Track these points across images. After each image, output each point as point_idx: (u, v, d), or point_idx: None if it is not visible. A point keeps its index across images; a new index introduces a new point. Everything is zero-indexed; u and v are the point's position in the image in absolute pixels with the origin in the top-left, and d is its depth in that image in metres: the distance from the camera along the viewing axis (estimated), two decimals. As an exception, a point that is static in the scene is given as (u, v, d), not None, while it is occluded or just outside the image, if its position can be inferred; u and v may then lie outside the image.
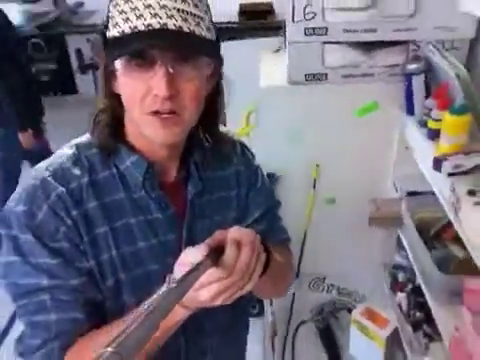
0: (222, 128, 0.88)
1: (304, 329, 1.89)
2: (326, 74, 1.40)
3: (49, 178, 0.72)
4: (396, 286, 1.43)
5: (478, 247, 0.93)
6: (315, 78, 1.42)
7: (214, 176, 0.85)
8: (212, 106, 0.78)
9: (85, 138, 0.78)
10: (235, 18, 4.33)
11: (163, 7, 0.63)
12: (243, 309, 0.96)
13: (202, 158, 0.82)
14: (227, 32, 4.90)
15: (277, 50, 1.75)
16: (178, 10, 0.64)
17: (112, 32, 0.67)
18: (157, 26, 0.63)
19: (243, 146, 0.91)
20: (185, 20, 0.64)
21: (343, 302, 1.83)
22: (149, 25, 0.63)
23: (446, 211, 1.07)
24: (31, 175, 0.73)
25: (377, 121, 1.46)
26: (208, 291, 0.60)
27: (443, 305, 1.12)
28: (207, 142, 0.83)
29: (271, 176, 1.59)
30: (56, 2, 5.61)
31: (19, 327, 0.75)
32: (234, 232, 0.64)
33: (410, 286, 1.38)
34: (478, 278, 0.91)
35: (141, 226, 0.75)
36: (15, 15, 5.54)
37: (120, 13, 0.65)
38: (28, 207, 0.70)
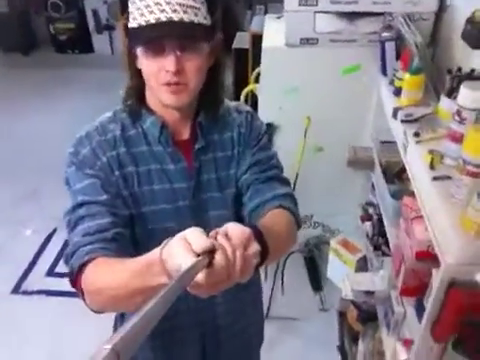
0: (234, 102, 1.08)
1: (292, 259, 2.22)
2: (317, 38, 1.67)
3: (92, 131, 0.95)
4: (365, 218, 1.74)
5: (415, 175, 1.23)
6: (308, 42, 1.68)
7: (217, 139, 1.01)
8: (213, 76, 0.96)
9: (119, 107, 1.00)
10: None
11: (168, 3, 0.83)
12: None
13: (206, 121, 1.00)
14: (240, -2, 5.09)
15: (280, 16, 2.01)
16: (180, 4, 0.83)
17: (132, 24, 0.87)
18: (164, 19, 0.83)
19: (252, 115, 1.07)
20: (185, 12, 0.84)
21: (326, 238, 2.15)
22: (158, 18, 0.83)
23: (400, 151, 1.36)
24: (81, 130, 0.96)
25: (359, 80, 1.73)
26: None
27: (395, 226, 1.43)
28: (210, 109, 1.00)
29: (270, 125, 1.88)
30: (72, -38, 5.72)
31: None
32: (230, 229, 0.67)
33: (376, 217, 1.69)
34: (413, 197, 1.21)
35: (158, 173, 0.96)
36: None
37: (137, 9, 0.86)
38: (74, 149, 0.94)
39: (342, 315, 2.12)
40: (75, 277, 0.82)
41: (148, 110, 0.97)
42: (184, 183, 0.97)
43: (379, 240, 1.64)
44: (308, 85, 1.79)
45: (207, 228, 0.67)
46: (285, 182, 1.06)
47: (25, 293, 2.67)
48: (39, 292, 2.67)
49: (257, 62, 2.39)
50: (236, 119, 1.04)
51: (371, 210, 1.74)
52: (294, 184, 1.99)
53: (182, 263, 0.59)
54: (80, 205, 0.89)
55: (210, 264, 0.61)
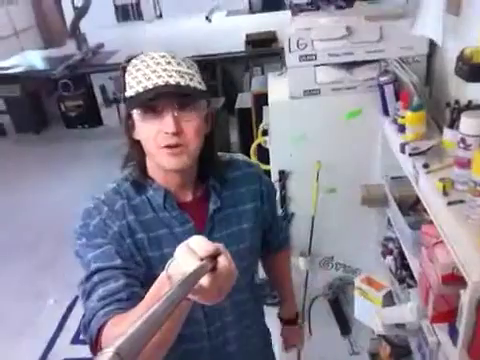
0: (240, 155, 1.14)
1: (317, 303, 2.22)
2: (319, 89, 1.79)
3: (100, 203, 0.97)
4: (386, 252, 1.77)
5: (430, 204, 1.29)
6: (311, 93, 1.81)
7: (229, 195, 1.04)
8: (211, 143, 1.00)
9: (120, 176, 1.01)
10: (242, 47, 4.84)
11: (165, 70, 0.86)
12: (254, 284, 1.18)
13: (217, 183, 1.03)
14: (237, 60, 5.43)
15: (280, 73, 2.16)
16: (176, 71, 0.87)
17: (129, 93, 0.89)
18: (161, 83, 0.85)
19: (260, 170, 1.15)
20: (182, 77, 0.87)
21: (349, 278, 2.16)
22: (156, 83, 0.85)
23: (412, 183, 1.43)
24: (88, 203, 0.97)
25: (363, 123, 1.83)
26: None
27: (416, 256, 1.46)
28: (216, 172, 1.03)
29: (282, 173, 1.97)
30: (79, 45, 6.15)
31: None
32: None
33: (396, 251, 1.72)
34: (431, 225, 1.26)
35: (167, 237, 0.97)
36: (40, 61, 6.17)
37: (133, 79, 0.88)
38: (83, 222, 0.94)
39: (374, 356, 2.08)
40: (95, 342, 0.81)
41: (150, 179, 0.99)
42: None
43: (403, 273, 1.66)
44: (315, 132, 1.89)
45: None
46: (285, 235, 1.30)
47: (52, 363, 2.66)
48: (66, 361, 2.65)
49: (260, 118, 2.53)
50: (247, 174, 1.10)
51: (391, 245, 1.77)
52: (311, 227, 2.05)
53: (186, 269, 0.59)
54: (93, 273, 0.89)
55: (214, 268, 0.62)
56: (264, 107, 2.13)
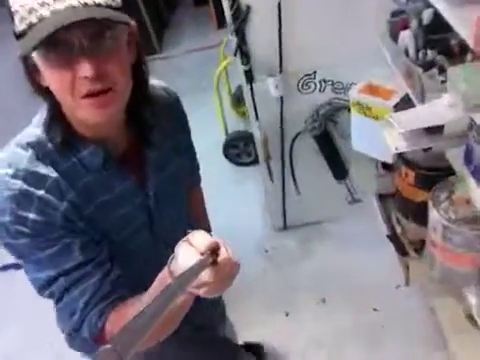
0: (154, 81, 0.94)
1: (300, 144, 1.67)
2: None
3: (25, 186, 0.76)
4: (397, 27, 1.12)
5: None
6: None
7: (160, 133, 0.89)
8: (139, 75, 0.80)
9: (33, 137, 0.79)
10: None
11: None
12: None
13: (152, 128, 0.87)
14: None
15: None
16: None
17: (21, 27, 0.68)
18: (62, 8, 0.65)
19: (177, 95, 0.99)
20: None
21: (340, 100, 1.55)
22: (54, 9, 0.66)
23: None
24: (2, 185, 0.77)
25: None
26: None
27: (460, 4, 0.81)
28: (148, 104, 0.86)
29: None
30: None
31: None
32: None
33: (416, 23, 1.07)
34: None
35: (113, 201, 0.85)
36: None
37: (23, 6, 0.68)
38: (15, 215, 0.75)
39: (383, 198, 1.56)
40: (98, 337, 0.78)
41: (78, 135, 0.81)
42: (139, 196, 0.90)
43: (427, 54, 1.04)
44: None
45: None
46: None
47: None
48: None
49: None
50: (166, 102, 0.95)
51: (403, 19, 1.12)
52: (279, 25, 1.41)
53: (186, 264, 0.60)
54: (56, 277, 0.79)
55: (215, 262, 0.62)
56: None
